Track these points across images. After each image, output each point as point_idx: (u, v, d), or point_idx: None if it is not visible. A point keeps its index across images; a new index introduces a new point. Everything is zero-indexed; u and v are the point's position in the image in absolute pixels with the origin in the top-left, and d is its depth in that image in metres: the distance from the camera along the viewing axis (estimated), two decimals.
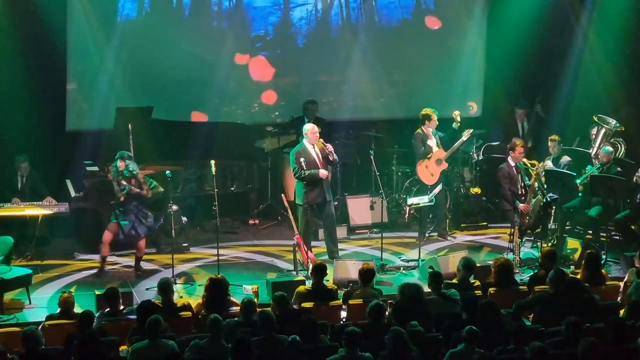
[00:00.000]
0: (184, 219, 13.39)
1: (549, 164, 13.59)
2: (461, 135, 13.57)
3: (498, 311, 8.85)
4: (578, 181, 13.05)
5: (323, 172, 12.36)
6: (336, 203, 13.68)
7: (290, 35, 15.75)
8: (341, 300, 9.96)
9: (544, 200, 12.56)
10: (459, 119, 13.78)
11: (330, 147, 12.45)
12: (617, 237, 13.11)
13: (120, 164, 11.86)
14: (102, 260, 12.03)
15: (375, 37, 15.83)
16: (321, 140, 12.51)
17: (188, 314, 9.45)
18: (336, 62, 15.69)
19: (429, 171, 13.61)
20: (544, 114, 15.52)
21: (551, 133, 14.24)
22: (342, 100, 15.88)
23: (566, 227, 13.46)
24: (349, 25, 15.86)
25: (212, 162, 12.06)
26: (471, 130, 13.67)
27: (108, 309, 9.36)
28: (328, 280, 10.82)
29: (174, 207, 12.63)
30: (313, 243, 12.75)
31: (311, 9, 15.70)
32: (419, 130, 13.72)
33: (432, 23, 16.11)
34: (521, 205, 12.67)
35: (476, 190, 14.67)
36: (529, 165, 12.81)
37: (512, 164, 12.96)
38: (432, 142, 13.61)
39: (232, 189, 14.45)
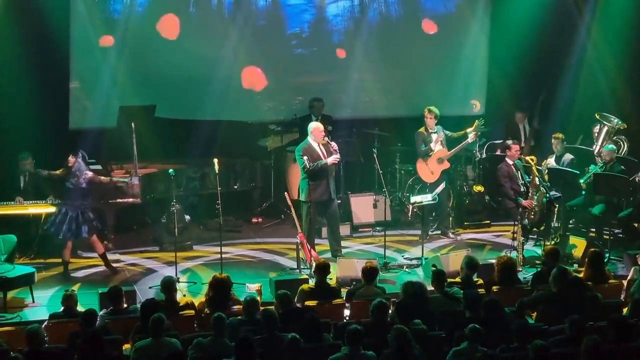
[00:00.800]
0: (187, 217, 13.41)
1: (551, 162, 13.57)
2: (467, 137, 13.53)
3: (501, 309, 8.85)
4: (581, 180, 13.04)
5: (332, 158, 12.35)
6: (339, 201, 13.67)
7: (326, 32, 15.74)
8: (344, 298, 9.97)
9: (547, 196, 12.57)
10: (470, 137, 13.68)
11: (334, 145, 12.44)
12: (621, 235, 13.11)
13: (71, 160, 11.82)
14: (65, 263, 12.00)
15: (380, 33, 15.82)
16: (326, 138, 12.50)
17: (191, 312, 9.46)
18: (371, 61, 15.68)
19: (429, 169, 13.59)
20: (539, 127, 15.47)
21: (555, 131, 14.24)
22: (345, 98, 15.87)
23: (569, 226, 13.47)
24: (388, 21, 15.83)
25: (215, 160, 12.06)
26: (478, 134, 13.61)
27: (111, 308, 9.37)
28: (331, 279, 10.83)
29: (177, 206, 12.64)
30: (316, 241, 12.76)
31: (348, 5, 15.68)
32: (421, 129, 13.69)
33: (428, 27, 16.04)
34: (524, 202, 12.68)
35: (479, 188, 14.66)
36: (529, 161, 12.79)
37: (510, 162, 12.99)
38: (436, 140, 13.57)
39: (235, 187, 14.46)
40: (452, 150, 13.61)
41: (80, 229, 11.82)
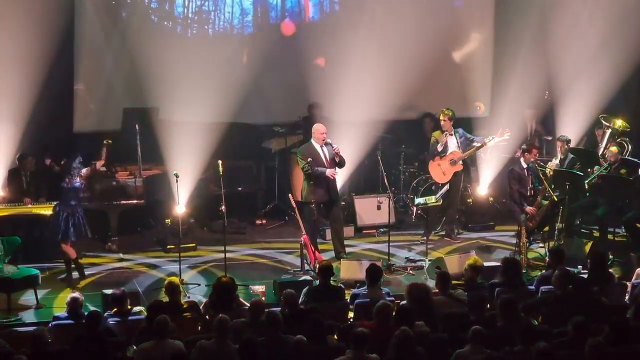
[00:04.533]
0: (191, 219, 13.39)
1: (556, 163, 13.54)
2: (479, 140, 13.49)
3: (518, 309, 8.83)
4: (586, 182, 13.01)
5: (330, 171, 12.35)
6: (343, 203, 13.66)
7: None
8: (348, 300, 9.96)
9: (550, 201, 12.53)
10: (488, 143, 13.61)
11: (337, 148, 12.44)
12: (625, 237, 13.08)
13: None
14: (73, 262, 11.94)
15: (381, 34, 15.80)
16: (328, 140, 12.50)
17: (195, 314, 9.46)
18: None
19: (441, 169, 13.55)
20: (541, 129, 15.45)
21: (559, 133, 14.21)
22: (347, 100, 15.83)
23: (574, 227, 13.45)
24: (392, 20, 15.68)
25: (220, 162, 12.07)
26: (495, 139, 13.49)
27: (115, 309, 9.37)
28: (336, 280, 10.82)
29: (182, 208, 12.63)
30: (320, 242, 12.76)
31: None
32: (436, 132, 13.64)
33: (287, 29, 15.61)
34: (528, 208, 12.59)
35: (481, 190, 14.58)
36: (544, 167, 12.69)
37: (524, 165, 12.82)
38: (451, 142, 13.50)
39: (240, 189, 14.47)
40: (465, 153, 13.52)
41: (69, 231, 11.73)
